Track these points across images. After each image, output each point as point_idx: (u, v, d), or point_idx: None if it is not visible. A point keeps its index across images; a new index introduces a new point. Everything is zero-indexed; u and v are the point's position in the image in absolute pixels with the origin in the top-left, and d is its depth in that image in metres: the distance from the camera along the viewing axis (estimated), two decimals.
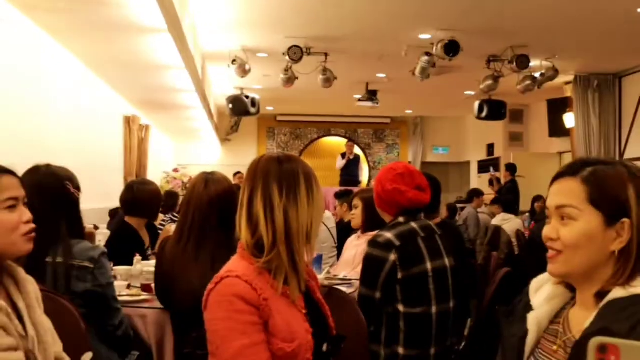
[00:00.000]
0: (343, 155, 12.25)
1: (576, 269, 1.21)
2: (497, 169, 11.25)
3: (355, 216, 3.88)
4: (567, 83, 9.40)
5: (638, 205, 1.19)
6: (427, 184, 2.67)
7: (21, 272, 1.55)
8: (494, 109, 9.45)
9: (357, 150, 14.06)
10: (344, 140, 13.24)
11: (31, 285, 1.56)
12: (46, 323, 1.53)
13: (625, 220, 1.18)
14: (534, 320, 1.28)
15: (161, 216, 5.86)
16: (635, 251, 1.17)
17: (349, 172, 12.09)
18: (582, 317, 1.20)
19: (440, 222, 3.46)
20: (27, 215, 1.56)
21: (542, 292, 1.32)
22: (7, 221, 1.51)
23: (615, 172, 1.21)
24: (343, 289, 3.01)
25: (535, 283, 1.36)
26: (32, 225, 1.57)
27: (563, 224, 1.22)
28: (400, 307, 2.45)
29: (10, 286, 1.51)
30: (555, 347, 1.23)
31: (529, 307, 1.31)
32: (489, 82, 8.18)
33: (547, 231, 1.25)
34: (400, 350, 2.45)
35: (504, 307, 1.42)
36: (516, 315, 1.34)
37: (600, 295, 1.19)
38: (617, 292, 1.16)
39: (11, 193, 1.53)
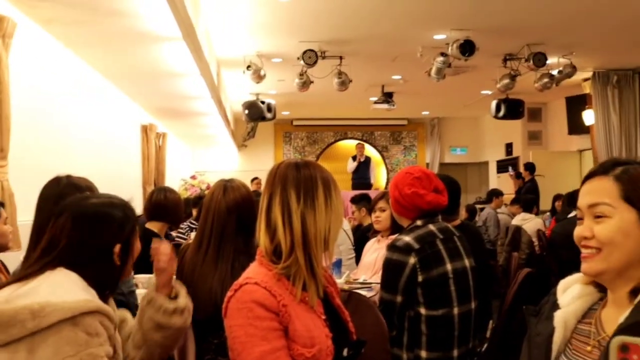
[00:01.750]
0: (354, 158, 12.22)
1: (612, 266, 1.21)
2: (516, 169, 11.17)
3: (382, 219, 3.85)
4: (586, 80, 9.31)
5: None
6: (444, 187, 2.68)
7: None
8: (512, 108, 9.40)
9: (371, 151, 14.06)
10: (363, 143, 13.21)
11: None
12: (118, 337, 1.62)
13: None
14: (561, 319, 1.28)
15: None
16: None
17: (361, 174, 12.05)
18: (616, 316, 1.20)
19: (460, 224, 3.44)
20: None
21: (570, 292, 1.31)
22: None
23: None
24: (363, 292, 3.01)
25: (563, 283, 1.35)
26: None
27: (597, 222, 1.23)
28: (422, 310, 2.45)
29: None
30: (589, 348, 1.22)
31: (556, 307, 1.31)
32: (506, 80, 8.13)
33: (581, 230, 1.25)
34: (423, 353, 2.44)
35: (532, 306, 1.42)
36: (543, 314, 1.34)
37: (634, 292, 1.19)
38: None
39: None
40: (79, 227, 1.60)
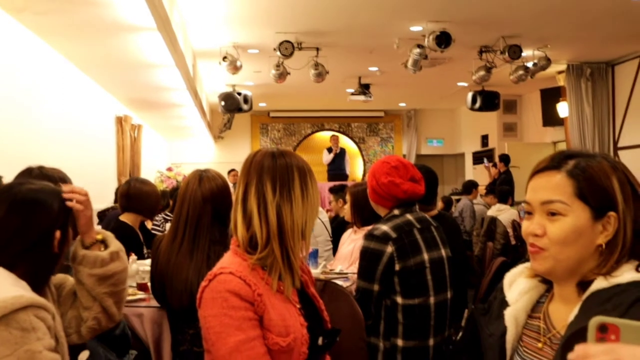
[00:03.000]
0: (329, 150, 12.27)
1: (562, 264, 1.19)
2: (491, 160, 11.27)
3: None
4: (560, 72, 9.43)
5: (622, 198, 1.18)
6: (420, 176, 2.69)
7: None
8: (487, 100, 9.47)
9: (348, 143, 14.07)
10: (338, 135, 13.22)
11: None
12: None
13: (612, 213, 1.17)
14: (511, 317, 1.26)
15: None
16: (620, 243, 1.16)
17: (336, 166, 12.11)
18: (564, 311, 1.19)
19: (437, 215, 3.46)
20: None
21: (516, 286, 1.30)
22: None
23: (599, 165, 1.20)
24: (339, 282, 3.03)
25: (508, 277, 1.33)
26: None
27: (550, 219, 1.19)
28: (399, 299, 2.47)
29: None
30: (540, 345, 1.21)
31: (504, 304, 1.29)
32: (482, 72, 8.19)
33: (532, 227, 1.22)
34: (399, 342, 2.47)
35: (481, 305, 1.40)
36: (493, 313, 1.32)
37: (581, 286, 1.18)
38: (600, 283, 1.14)
39: None
40: (14, 215, 1.52)
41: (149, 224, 5.15)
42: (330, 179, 11.64)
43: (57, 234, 1.56)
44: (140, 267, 3.20)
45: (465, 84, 10.18)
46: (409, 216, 2.60)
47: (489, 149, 12.47)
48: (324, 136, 13.85)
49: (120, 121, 8.59)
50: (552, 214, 1.19)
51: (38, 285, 1.53)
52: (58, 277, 1.75)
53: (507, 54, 7.41)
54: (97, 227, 1.82)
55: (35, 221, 1.54)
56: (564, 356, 0.82)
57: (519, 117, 12.43)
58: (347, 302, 2.44)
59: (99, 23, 4.82)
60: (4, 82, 4.69)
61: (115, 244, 1.76)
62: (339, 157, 12.16)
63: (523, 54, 7.51)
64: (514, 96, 12.14)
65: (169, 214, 5.90)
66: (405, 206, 2.63)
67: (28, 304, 1.37)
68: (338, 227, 5.28)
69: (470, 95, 9.57)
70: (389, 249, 2.47)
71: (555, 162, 1.23)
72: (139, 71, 6.66)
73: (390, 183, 2.60)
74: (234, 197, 1.65)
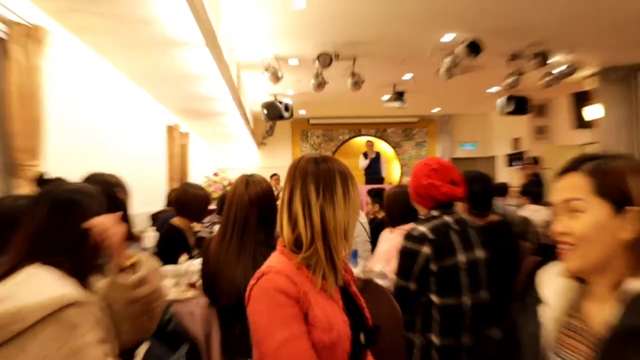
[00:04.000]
0: (365, 155, 12.15)
1: (591, 261, 1.18)
2: (523, 163, 11.06)
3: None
4: (589, 76, 9.20)
5: None
6: (461, 178, 2.65)
7: None
8: (517, 105, 9.32)
9: (384, 147, 13.99)
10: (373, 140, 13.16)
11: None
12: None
13: (631, 208, 1.16)
14: (549, 316, 1.25)
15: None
16: None
17: (372, 170, 11.98)
18: (600, 311, 1.17)
19: (497, 222, 3.27)
20: None
21: (552, 286, 1.28)
22: None
23: (616, 164, 1.21)
24: (379, 281, 3.01)
25: (542, 276, 1.32)
26: None
27: (572, 217, 1.20)
28: (434, 298, 2.44)
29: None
30: (579, 345, 1.19)
31: (540, 303, 1.28)
32: (512, 78, 8.06)
33: (557, 226, 1.23)
34: (434, 338, 2.44)
35: (518, 303, 1.38)
36: (530, 312, 1.31)
37: (617, 286, 1.16)
38: (637, 284, 1.12)
39: None
40: (54, 215, 1.55)
41: (196, 227, 5.21)
42: (367, 182, 11.59)
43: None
44: (190, 267, 3.24)
45: (496, 89, 10.03)
46: (446, 218, 2.57)
47: (521, 152, 12.25)
48: (361, 141, 13.81)
49: (170, 130, 8.73)
50: (573, 211, 1.20)
51: (83, 281, 1.55)
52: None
53: (536, 60, 7.27)
54: (133, 249, 1.80)
55: (73, 220, 1.56)
56: (606, 356, 0.79)
57: (549, 120, 12.18)
58: (386, 300, 2.43)
59: (151, 39, 4.91)
60: (66, 96, 4.82)
61: (146, 267, 1.72)
62: (375, 162, 12.09)
63: (552, 60, 7.36)
64: (544, 100, 11.91)
65: (216, 217, 5.96)
66: (444, 208, 2.60)
67: (72, 302, 1.39)
68: (376, 228, 5.25)
69: (500, 100, 9.43)
70: (426, 249, 2.45)
71: (574, 164, 1.26)
72: (187, 83, 6.76)
73: (430, 185, 2.58)
74: (278, 201, 1.66)
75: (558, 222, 1.23)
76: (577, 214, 1.20)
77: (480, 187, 3.18)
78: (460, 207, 3.17)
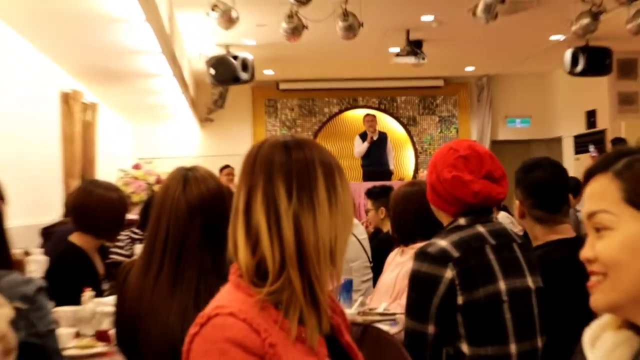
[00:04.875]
0: (363, 136, 12.14)
1: (625, 295, 1.21)
2: (601, 148, 11.16)
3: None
4: None
5: None
6: (502, 171, 2.66)
7: None
8: (594, 60, 9.39)
9: (392, 125, 14.03)
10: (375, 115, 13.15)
11: None
12: None
13: None
14: None
15: None
16: None
17: (374, 159, 11.94)
18: None
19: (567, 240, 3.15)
20: None
21: (602, 345, 1.30)
22: None
23: None
24: (384, 327, 3.03)
25: (589, 334, 1.34)
26: None
27: (598, 236, 1.24)
28: (465, 347, 2.46)
29: None
30: None
31: None
32: (586, 20, 8.11)
33: (583, 251, 1.27)
34: None
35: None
36: None
37: None
38: None
39: None
40: None
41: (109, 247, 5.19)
42: (366, 177, 11.62)
43: None
44: (98, 308, 3.22)
45: (562, 38, 10.10)
46: (480, 228, 2.58)
47: (598, 131, 12.36)
48: (357, 116, 13.84)
49: (67, 99, 8.67)
50: (600, 228, 1.24)
51: None
52: None
53: None
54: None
55: None
56: None
57: None
58: (396, 354, 2.44)
59: None
60: None
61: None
62: (378, 146, 12.04)
63: None
64: (634, 54, 12.01)
65: (137, 231, 5.93)
66: (477, 214, 2.61)
67: None
68: (380, 247, 5.27)
69: (569, 53, 9.48)
70: (449, 273, 2.46)
71: (604, 163, 1.28)
72: (92, 27, 6.72)
73: (455, 180, 2.58)
74: (233, 206, 1.66)
75: (586, 244, 1.26)
76: (603, 232, 1.23)
77: (548, 175, 3.13)
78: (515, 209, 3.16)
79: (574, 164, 12.87)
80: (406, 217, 3.59)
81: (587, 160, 11.53)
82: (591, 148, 10.88)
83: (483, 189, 2.58)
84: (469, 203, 2.60)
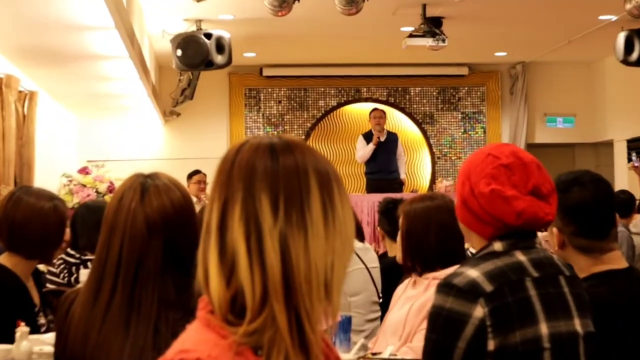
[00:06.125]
0: (367, 137, 12.17)
1: None
2: None
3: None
4: None
5: None
6: (551, 186, 2.64)
7: None
8: None
9: (403, 122, 14.07)
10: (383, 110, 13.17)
11: None
12: None
13: None
14: None
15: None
16: None
17: (382, 165, 11.98)
18: None
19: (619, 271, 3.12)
20: None
21: None
22: None
23: None
24: None
25: None
26: None
27: None
28: None
29: None
30: None
31: None
32: None
33: None
34: None
35: None
36: None
37: None
38: None
39: None
40: None
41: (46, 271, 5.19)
42: (371, 187, 11.64)
43: None
44: (35, 348, 3.22)
45: (614, 18, 10.14)
46: (520, 256, 2.58)
47: None
48: (360, 111, 13.87)
49: None
50: None
51: None
52: None
53: None
54: None
55: None
56: None
57: None
58: None
59: None
60: None
61: None
62: (386, 150, 12.06)
63: None
64: None
65: (72, 252, 5.89)
66: (517, 237, 2.61)
67: None
68: (389, 275, 5.26)
69: (622, 37, 9.53)
70: (479, 311, 2.46)
71: None
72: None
73: (495, 195, 2.57)
74: (204, 223, 1.66)
75: None
76: None
77: (591, 194, 3.15)
78: (551, 237, 3.15)
79: (628, 175, 12.89)
80: (428, 239, 3.58)
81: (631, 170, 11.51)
82: (634, 156, 10.90)
83: (528, 208, 2.56)
84: (509, 224, 2.57)
